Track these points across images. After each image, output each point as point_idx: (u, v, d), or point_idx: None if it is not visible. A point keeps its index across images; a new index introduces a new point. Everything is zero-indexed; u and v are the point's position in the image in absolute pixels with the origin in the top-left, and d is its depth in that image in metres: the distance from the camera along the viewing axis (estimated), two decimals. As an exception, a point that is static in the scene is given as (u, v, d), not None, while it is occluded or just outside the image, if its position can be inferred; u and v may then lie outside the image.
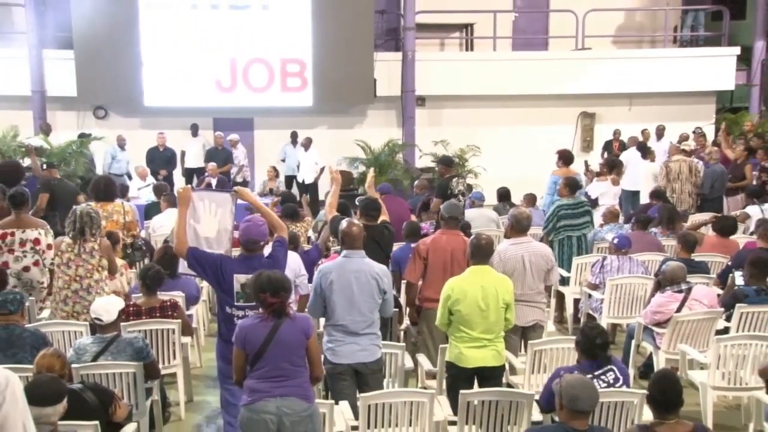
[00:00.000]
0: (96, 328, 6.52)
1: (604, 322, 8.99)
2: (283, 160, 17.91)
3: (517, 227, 7.80)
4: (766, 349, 7.05)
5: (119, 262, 8.58)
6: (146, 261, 9.54)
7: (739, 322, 7.82)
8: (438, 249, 7.60)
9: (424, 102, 18.96)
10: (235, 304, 6.10)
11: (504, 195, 13.01)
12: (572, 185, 10.74)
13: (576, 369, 5.91)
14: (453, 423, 6.04)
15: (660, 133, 17.54)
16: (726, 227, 10.50)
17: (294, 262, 7.55)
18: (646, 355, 8.38)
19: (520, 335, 7.48)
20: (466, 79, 18.57)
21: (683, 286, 8.11)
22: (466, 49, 20.36)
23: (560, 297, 10.24)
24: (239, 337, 5.21)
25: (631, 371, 7.87)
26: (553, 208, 10.61)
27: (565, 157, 12.65)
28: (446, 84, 18.62)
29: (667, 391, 5.11)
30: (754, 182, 14.04)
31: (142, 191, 15.24)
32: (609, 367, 5.93)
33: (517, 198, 13.01)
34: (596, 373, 5.87)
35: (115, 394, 5.79)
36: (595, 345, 5.90)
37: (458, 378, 6.44)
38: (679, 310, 7.94)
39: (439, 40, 20.50)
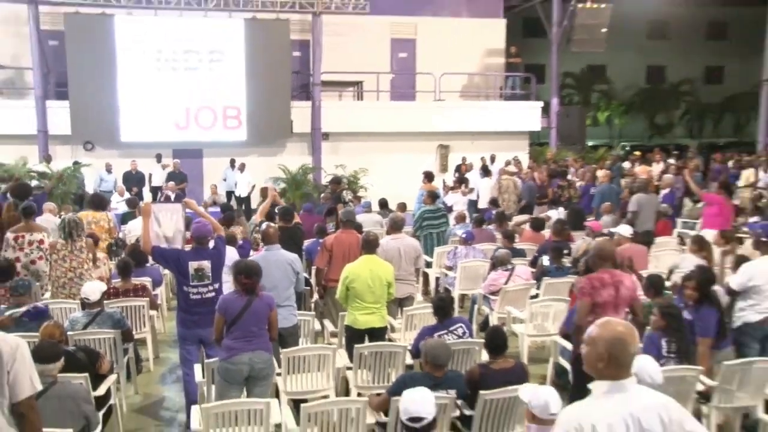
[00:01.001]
0: (85, 305, 6.38)
1: (456, 293, 9.09)
2: (225, 180, 17.57)
3: (394, 227, 7.82)
4: (562, 306, 7.27)
5: (101, 255, 8.25)
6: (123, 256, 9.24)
7: (544, 290, 8.05)
8: (340, 243, 7.53)
9: (328, 137, 18.82)
10: (190, 284, 5.97)
11: (383, 204, 12.99)
12: (433, 196, 10.82)
13: (436, 327, 5.96)
14: (350, 368, 6.00)
15: (492, 159, 17.89)
16: (538, 225, 10.76)
17: (232, 254, 7.38)
18: (484, 314, 8.53)
19: (398, 304, 7.48)
20: (357, 121, 18.55)
21: (509, 266, 8.28)
22: (358, 99, 20.33)
23: (426, 276, 10.27)
24: (221, 306, 5.18)
25: (474, 327, 7.98)
26: (419, 212, 10.66)
27: (429, 176, 12.75)
28: (344, 124, 18.55)
29: (497, 339, 5.20)
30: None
31: (120, 204, 14.76)
32: (458, 324, 6.00)
33: (393, 205, 12.99)
34: (450, 328, 5.92)
35: (100, 353, 5.65)
36: (446, 308, 5.97)
37: (354, 336, 6.40)
38: (506, 283, 8.11)
39: (338, 92, 20.41)
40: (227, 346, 5.15)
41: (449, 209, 12.77)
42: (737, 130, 42.20)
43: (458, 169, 17.91)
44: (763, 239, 6.23)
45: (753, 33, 30.01)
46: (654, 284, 6.60)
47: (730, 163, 18.87)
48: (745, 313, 6.11)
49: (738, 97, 39.80)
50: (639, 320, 5.41)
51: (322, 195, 14.17)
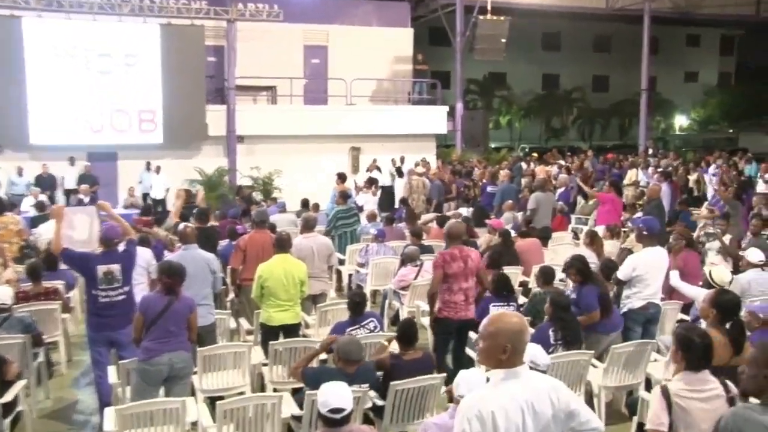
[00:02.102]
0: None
1: (368, 289, 9.06)
2: (141, 182, 16.93)
3: (307, 226, 7.74)
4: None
5: (8, 258, 7.77)
6: (33, 259, 8.70)
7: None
8: (253, 244, 7.38)
9: (243, 139, 18.43)
10: (99, 287, 5.68)
11: (305, 204, 12.80)
12: (345, 196, 10.79)
13: (348, 322, 5.92)
14: (265, 364, 5.88)
15: (402, 161, 17.97)
16: (444, 222, 10.84)
17: (147, 255, 7.10)
18: (395, 309, 8.55)
19: (312, 301, 7.39)
20: (272, 124, 18.27)
21: (418, 262, 8.32)
22: (272, 103, 20.02)
23: (339, 273, 10.19)
24: (142, 305, 5.03)
25: (386, 320, 7.98)
26: (333, 212, 10.59)
27: (341, 177, 12.73)
28: (258, 127, 18.22)
29: (408, 331, 5.23)
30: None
31: (31, 207, 13.86)
32: (370, 319, 5.98)
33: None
34: (362, 323, 5.89)
35: (6, 359, 5.26)
36: (359, 304, 5.95)
37: (269, 333, 6.28)
38: (415, 278, 8.15)
39: (252, 96, 20.02)
40: (146, 347, 4.95)
41: (361, 209, 12.78)
42: (622, 134, 44.41)
43: (369, 170, 17.92)
44: (645, 233, 6.47)
45: (632, 47, 31.65)
46: (544, 274, 6.83)
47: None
48: (630, 301, 6.38)
49: (622, 104, 41.87)
50: (485, 286, 6.30)
51: (237, 197, 13.92)
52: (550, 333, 5.62)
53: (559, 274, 8.26)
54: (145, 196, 16.78)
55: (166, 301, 4.96)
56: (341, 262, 9.95)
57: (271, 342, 5.77)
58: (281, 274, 6.29)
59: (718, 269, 6.61)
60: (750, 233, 8.98)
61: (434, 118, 20.35)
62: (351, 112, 19.31)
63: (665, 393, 3.55)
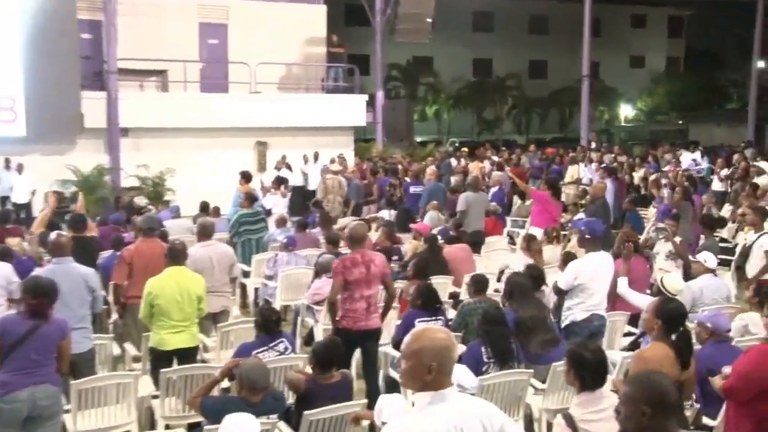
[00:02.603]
0: None
1: (278, 304, 9.01)
2: (-2, 183, 16.22)
3: (204, 233, 7.66)
4: (392, 314, 7.38)
5: None
6: None
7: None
8: (140, 255, 7.22)
9: (127, 133, 17.93)
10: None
11: (204, 207, 12.60)
12: (251, 199, 10.70)
13: (255, 343, 5.88)
14: (156, 396, 5.76)
15: (316, 157, 18.02)
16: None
17: (5, 271, 6.81)
18: (308, 327, 8.51)
19: (211, 320, 7.30)
20: (162, 114, 17.86)
21: (324, 277, 8.32)
22: (162, 90, 19.58)
23: (243, 287, 10.09)
24: None
25: (298, 341, 7.96)
26: (236, 217, 10.49)
27: (246, 176, 12.61)
28: (146, 118, 17.77)
29: (331, 352, 5.24)
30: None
31: None
32: (280, 339, 5.96)
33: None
34: (270, 344, 5.87)
35: None
36: (270, 322, 5.91)
37: (160, 359, 6.14)
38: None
39: (139, 82, 19.52)
40: (1, 381, 4.75)
41: (268, 212, 12.68)
42: (563, 126, 45.99)
43: (278, 168, 17.83)
44: (587, 236, 6.64)
45: (572, 29, 32.87)
46: (476, 283, 6.98)
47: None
48: (572, 312, 6.58)
49: (562, 93, 43.33)
50: (391, 293, 6.65)
51: (121, 202, 13.56)
52: (483, 350, 5.75)
53: (495, 284, 8.49)
54: (5, 199, 16.07)
55: (30, 326, 4.79)
56: (246, 274, 9.88)
57: (162, 370, 5.66)
58: (175, 290, 6.20)
59: (670, 276, 6.92)
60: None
61: (352, 109, 20.45)
62: (256, 101, 19.14)
63: (570, 422, 3.70)
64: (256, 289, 9.83)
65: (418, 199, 13.44)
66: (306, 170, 18.00)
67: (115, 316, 7.72)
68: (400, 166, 17.70)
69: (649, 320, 4.83)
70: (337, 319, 6.42)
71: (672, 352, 4.57)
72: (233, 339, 6.76)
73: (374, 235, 10.93)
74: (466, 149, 23.84)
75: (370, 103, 21.90)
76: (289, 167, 17.53)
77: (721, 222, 11.68)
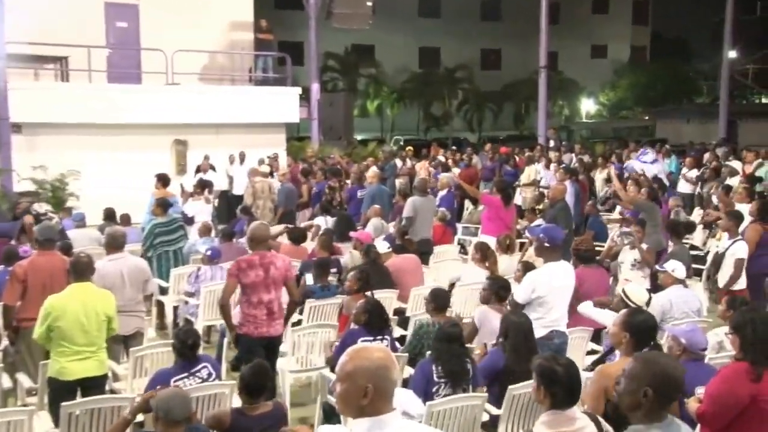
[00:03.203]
0: None
1: (201, 324, 8.93)
2: None
3: (113, 244, 7.56)
4: (329, 335, 7.50)
5: None
6: None
7: (309, 315, 8.22)
8: (36, 270, 7.07)
9: (20, 129, 17.49)
10: None
11: (110, 215, 12.36)
12: (163, 205, 10.57)
13: (174, 369, 5.82)
14: (57, 434, 5.62)
15: (242, 157, 17.89)
16: (297, 237, 10.92)
17: None
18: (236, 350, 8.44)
19: (123, 343, 7.20)
20: (63, 108, 17.45)
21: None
22: (62, 80, 19.19)
23: (160, 305, 9.99)
24: None
25: (224, 366, 7.89)
26: (149, 227, 10.35)
27: (163, 180, 12.47)
28: (43, 112, 17.34)
29: (260, 379, 5.22)
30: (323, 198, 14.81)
31: None
32: (203, 364, 5.91)
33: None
34: (192, 371, 5.81)
35: None
36: (187, 346, 5.85)
37: (61, 391, 6.02)
38: (262, 309, 8.12)
39: (33, 69, 19.10)
40: None
41: (190, 220, 12.55)
42: (518, 122, 46.71)
43: (199, 170, 17.68)
44: (546, 244, 6.73)
45: (528, 15, 33.43)
46: (436, 298, 7.01)
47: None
48: (531, 329, 6.68)
49: (517, 86, 44.05)
50: (294, 298, 7.09)
51: (17, 208, 13.19)
52: (434, 368, 5.81)
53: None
54: None
55: None
56: (163, 290, 9.80)
57: (64, 403, 5.53)
58: (79, 310, 6.10)
59: (633, 287, 7.08)
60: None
61: (283, 103, 20.40)
62: (173, 94, 18.92)
63: None
64: (175, 308, 9.74)
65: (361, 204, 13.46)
66: (231, 172, 17.85)
67: (5, 342, 7.53)
68: (338, 167, 17.71)
69: (616, 334, 4.94)
70: (237, 324, 6.81)
71: None
72: (148, 365, 6.68)
73: (311, 245, 10.93)
74: (411, 148, 23.99)
75: (304, 97, 21.89)
76: (213, 169, 17.36)
77: (689, 227, 11.98)
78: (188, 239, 10.99)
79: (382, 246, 9.62)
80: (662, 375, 3.32)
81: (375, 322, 6.67)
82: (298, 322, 8.15)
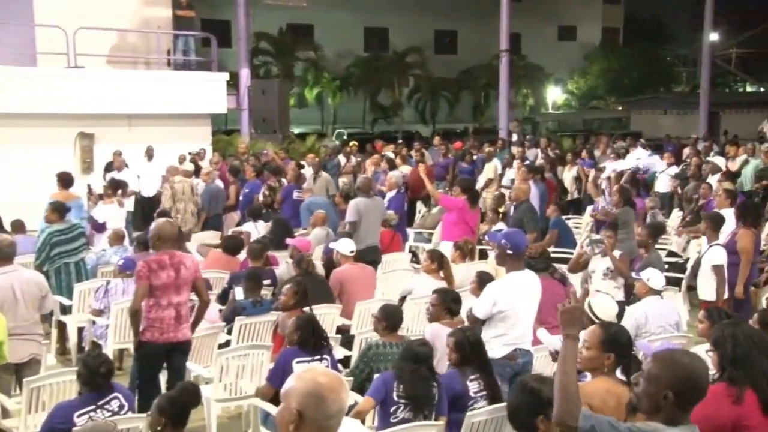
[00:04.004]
0: None
1: (111, 348, 8.78)
2: None
3: (2, 255, 7.34)
4: (262, 357, 7.44)
5: None
6: None
7: (239, 334, 8.15)
8: None
9: None
10: None
11: (-5, 224, 12.13)
12: (60, 209, 10.32)
13: (78, 402, 5.72)
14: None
15: (150, 154, 17.47)
16: (231, 246, 10.82)
17: None
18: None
19: (13, 373, 7.03)
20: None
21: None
22: (-60, 62, 18.76)
23: (62, 327, 9.79)
24: None
25: (137, 396, 7.77)
26: (44, 236, 10.05)
27: (64, 180, 12.23)
28: None
29: (181, 406, 5.15)
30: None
31: None
32: (114, 395, 5.80)
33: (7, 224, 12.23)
34: (99, 403, 5.71)
35: None
36: (98, 374, 5.74)
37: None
38: (184, 329, 8.04)
39: None
40: None
41: (101, 227, 12.39)
42: (477, 113, 47.06)
43: (109, 168, 17.38)
44: (509, 252, 6.73)
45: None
46: (388, 317, 6.99)
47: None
48: (490, 347, 6.68)
49: (475, 71, 44.32)
50: (204, 300, 7.39)
51: None
52: (395, 386, 5.85)
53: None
54: None
55: None
56: (64, 309, 9.64)
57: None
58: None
59: (599, 300, 7.15)
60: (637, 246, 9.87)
61: (208, 91, 20.21)
62: (76, 79, 18.63)
63: None
64: (80, 329, 9.56)
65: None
66: (139, 171, 17.38)
67: None
68: (274, 164, 17.62)
69: (596, 358, 4.90)
70: (140, 330, 7.03)
71: (619, 387, 4.72)
72: (46, 398, 6.53)
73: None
74: (356, 143, 23.97)
75: (233, 84, 21.77)
76: (126, 166, 17.05)
77: (660, 229, 12.06)
78: (92, 249, 10.80)
79: (345, 247, 9.59)
80: (685, 378, 3.44)
81: (309, 340, 6.65)
82: (227, 343, 8.10)
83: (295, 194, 14.33)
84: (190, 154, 17.79)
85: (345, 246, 9.63)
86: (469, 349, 6.11)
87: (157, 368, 7.20)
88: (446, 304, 7.22)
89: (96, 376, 5.74)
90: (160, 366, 7.18)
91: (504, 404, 5.87)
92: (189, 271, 7.14)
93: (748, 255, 9.21)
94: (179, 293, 7.09)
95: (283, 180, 15.38)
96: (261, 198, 14.66)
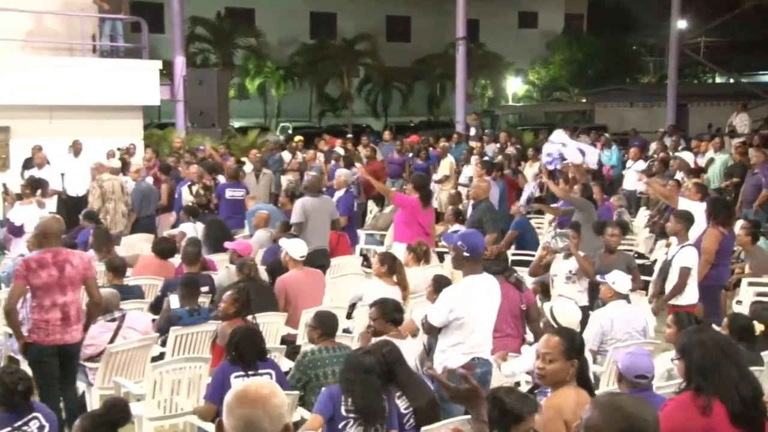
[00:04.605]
0: None
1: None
2: None
3: None
4: (200, 370, 7.37)
5: None
6: None
7: (174, 346, 8.10)
8: None
9: None
10: None
11: None
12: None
13: (-5, 422, 5.64)
14: None
15: (77, 149, 17.24)
16: (164, 249, 10.73)
17: None
18: (79, 392, 8.16)
19: None
20: None
21: (116, 314, 8.14)
22: None
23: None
24: None
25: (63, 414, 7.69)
26: None
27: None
28: None
29: (108, 426, 5.10)
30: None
31: None
32: (33, 414, 5.73)
33: None
34: (17, 424, 5.63)
35: None
36: (15, 393, 5.66)
37: None
38: (112, 340, 7.96)
39: None
40: None
41: (19, 230, 12.27)
42: (432, 106, 47.24)
43: (28, 165, 17.13)
44: (465, 254, 6.72)
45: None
46: (322, 323, 7.03)
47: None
48: (446, 356, 6.71)
49: (430, 61, 44.46)
50: (95, 300, 7.51)
51: None
52: (343, 399, 5.85)
53: (345, 321, 8.55)
54: None
55: None
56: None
57: None
58: None
59: (562, 307, 7.20)
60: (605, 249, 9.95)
61: (139, 80, 20.06)
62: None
63: None
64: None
65: (238, 207, 13.31)
66: (63, 169, 17.13)
67: None
68: (211, 161, 17.53)
69: (561, 369, 4.92)
70: (26, 332, 7.21)
71: (585, 396, 4.77)
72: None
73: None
74: (301, 138, 23.96)
75: (166, 74, 21.57)
76: (48, 163, 16.83)
77: (623, 227, 12.14)
78: (8, 254, 10.66)
79: (296, 250, 9.55)
80: (629, 427, 3.25)
81: (246, 353, 6.61)
82: (161, 356, 8.04)
83: (228, 193, 14.24)
84: (119, 150, 17.61)
85: (296, 248, 9.58)
86: (385, 366, 6.10)
87: (51, 373, 7.28)
88: (388, 315, 7.23)
89: (13, 394, 5.66)
90: (55, 370, 7.29)
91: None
92: (76, 269, 7.26)
93: (708, 255, 9.30)
94: (64, 293, 7.21)
95: (221, 178, 15.32)
96: (189, 195, 14.54)
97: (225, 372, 6.47)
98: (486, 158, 17.69)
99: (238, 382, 6.12)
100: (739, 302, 10.30)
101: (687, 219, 9.47)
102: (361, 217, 16.29)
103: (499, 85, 51.37)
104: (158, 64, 20.77)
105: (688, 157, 16.85)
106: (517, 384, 7.17)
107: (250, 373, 6.48)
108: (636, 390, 5.52)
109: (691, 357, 4.54)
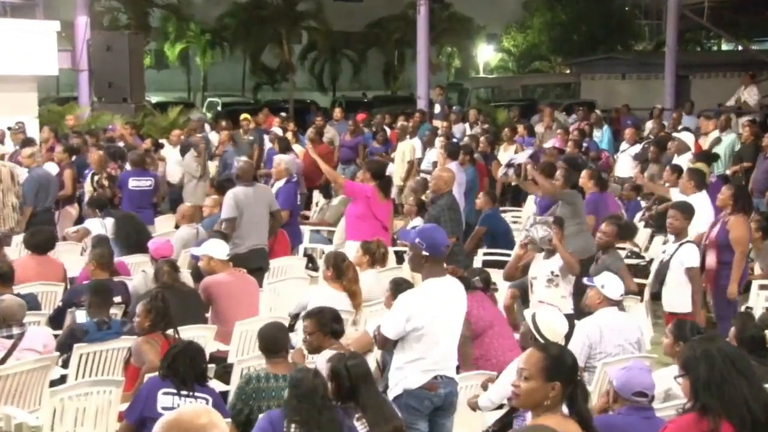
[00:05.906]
0: None
1: None
2: None
3: None
4: (110, 396, 7.32)
5: None
6: None
7: (79, 366, 8.02)
8: None
9: None
10: None
11: None
12: None
13: None
14: None
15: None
16: (38, 244, 10.64)
17: None
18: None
19: None
20: None
21: (15, 330, 8.03)
22: None
23: None
24: None
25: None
26: None
27: None
28: None
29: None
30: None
31: None
32: None
33: None
34: None
35: None
36: None
37: None
38: (4, 361, 7.86)
39: None
40: None
41: None
42: (389, 79, 47.20)
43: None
44: (425, 253, 6.74)
45: None
46: (266, 341, 7.06)
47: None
48: (405, 374, 6.74)
49: (386, 24, 44.40)
50: None
51: None
52: (284, 426, 5.82)
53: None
54: None
55: None
56: None
57: None
58: None
59: (546, 316, 7.19)
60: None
61: (31, 45, 19.89)
62: None
63: None
64: None
65: (144, 200, 13.25)
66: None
67: None
68: (121, 144, 17.39)
69: (537, 389, 4.89)
70: None
71: (569, 426, 4.75)
72: None
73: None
74: (247, 116, 23.65)
75: (66, 37, 21.32)
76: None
77: (630, 231, 12.17)
78: None
79: (216, 250, 9.52)
80: None
81: (184, 374, 6.56)
82: (62, 379, 7.97)
83: (132, 183, 14.09)
84: (9, 129, 17.38)
85: (216, 248, 9.54)
86: (348, 382, 6.12)
87: None
88: (327, 327, 7.26)
89: None
90: None
91: None
92: None
93: (744, 247, 9.42)
94: None
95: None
96: (89, 186, 14.41)
97: (151, 387, 6.45)
98: (453, 140, 17.65)
99: (167, 402, 6.12)
100: (749, 308, 10.23)
101: (690, 212, 9.55)
102: (304, 210, 16.23)
103: (468, 54, 51.38)
104: (56, 26, 20.57)
105: (688, 138, 16.73)
106: (501, 407, 7.17)
107: (183, 393, 6.44)
108: (634, 409, 5.57)
109: (696, 372, 4.55)
